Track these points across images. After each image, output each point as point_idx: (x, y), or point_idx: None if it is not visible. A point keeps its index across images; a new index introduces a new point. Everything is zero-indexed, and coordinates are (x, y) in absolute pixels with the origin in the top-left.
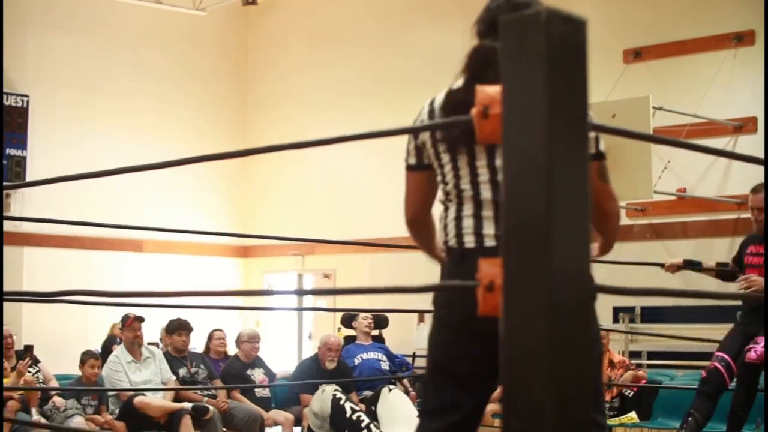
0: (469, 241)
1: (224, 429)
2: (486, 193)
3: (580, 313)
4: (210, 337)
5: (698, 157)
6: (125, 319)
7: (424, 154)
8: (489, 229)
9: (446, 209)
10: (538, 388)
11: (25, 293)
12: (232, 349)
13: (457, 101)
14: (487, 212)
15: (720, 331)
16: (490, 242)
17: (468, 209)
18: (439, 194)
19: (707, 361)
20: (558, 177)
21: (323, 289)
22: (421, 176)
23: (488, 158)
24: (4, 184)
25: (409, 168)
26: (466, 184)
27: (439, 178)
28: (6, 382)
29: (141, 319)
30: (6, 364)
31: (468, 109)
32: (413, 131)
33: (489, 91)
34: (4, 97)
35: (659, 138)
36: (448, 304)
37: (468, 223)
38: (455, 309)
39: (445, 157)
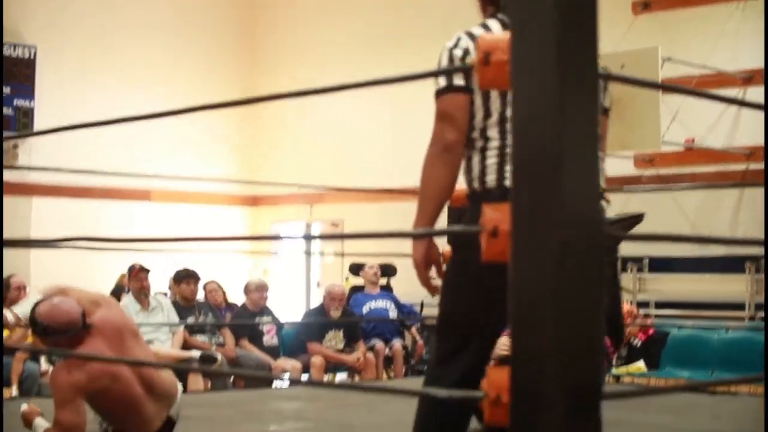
0: (491, 181)
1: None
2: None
3: (590, 259)
4: (204, 290)
5: (706, 108)
6: (131, 269)
7: (472, 78)
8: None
9: (483, 152)
10: (546, 335)
11: (30, 241)
12: (235, 299)
13: None
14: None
15: (727, 281)
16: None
17: (492, 155)
18: (475, 134)
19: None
20: (567, 124)
21: (329, 234)
22: (467, 100)
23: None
24: (12, 134)
25: (458, 89)
26: (492, 129)
27: (479, 111)
28: (17, 333)
29: (146, 270)
30: (18, 315)
31: None
32: (419, 78)
33: (491, 38)
34: (12, 48)
35: (668, 86)
36: (466, 249)
37: (492, 165)
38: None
39: (477, 99)
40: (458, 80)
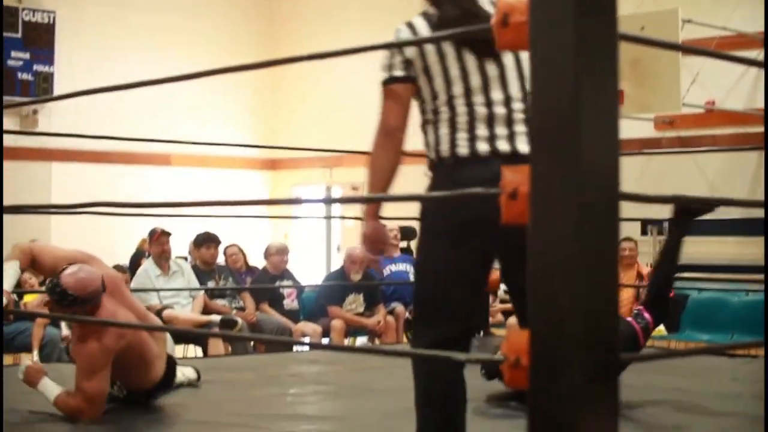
0: (463, 151)
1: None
2: (480, 108)
3: (609, 221)
4: (225, 254)
5: (727, 70)
6: (152, 233)
7: (411, 68)
8: (483, 145)
9: (436, 125)
10: (565, 297)
11: (49, 206)
12: (255, 263)
13: (456, 15)
14: (481, 126)
15: (748, 244)
16: (484, 154)
17: (462, 124)
18: (427, 114)
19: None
20: (586, 86)
21: (349, 197)
22: (408, 88)
23: (481, 76)
24: (31, 99)
25: (398, 80)
26: (459, 100)
27: (427, 94)
28: (35, 297)
29: (168, 234)
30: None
31: (470, 21)
32: (437, 39)
33: (510, 0)
34: (31, 13)
35: (688, 48)
36: (441, 210)
37: (462, 135)
38: (456, 213)
39: (436, 69)
40: (398, 72)
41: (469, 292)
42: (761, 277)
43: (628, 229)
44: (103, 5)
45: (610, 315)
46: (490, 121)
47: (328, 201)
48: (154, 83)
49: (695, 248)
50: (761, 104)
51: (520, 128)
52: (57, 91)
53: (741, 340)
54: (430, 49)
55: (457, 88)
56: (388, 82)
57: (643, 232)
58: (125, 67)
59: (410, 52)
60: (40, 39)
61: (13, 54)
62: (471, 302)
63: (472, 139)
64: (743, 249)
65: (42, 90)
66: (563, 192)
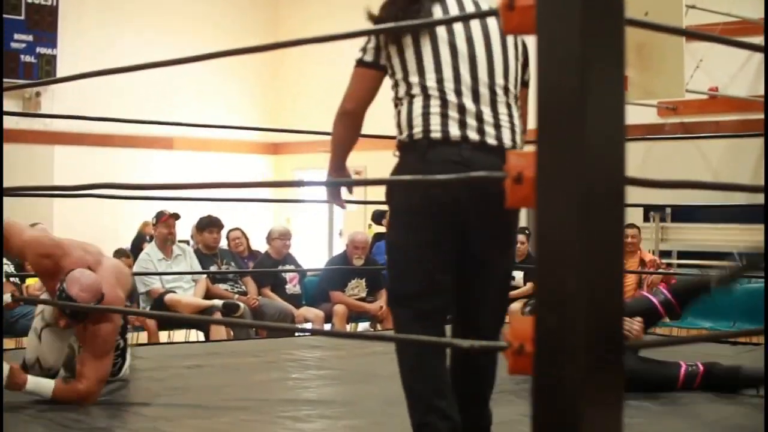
0: (436, 134)
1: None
2: (451, 96)
3: (614, 206)
4: (228, 238)
5: (730, 56)
6: (160, 215)
7: (381, 54)
8: (455, 129)
9: (410, 103)
10: (571, 281)
11: (51, 187)
12: (258, 246)
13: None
14: (453, 113)
15: (751, 231)
16: (455, 139)
17: (435, 107)
18: (399, 91)
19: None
20: (591, 70)
21: (351, 180)
22: (372, 74)
23: (452, 59)
24: (35, 81)
25: (365, 64)
26: (432, 82)
27: (399, 75)
28: (36, 281)
29: (177, 216)
30: None
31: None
32: (441, 23)
33: None
34: None
35: (691, 33)
36: (415, 190)
37: (435, 120)
38: (429, 192)
39: (409, 52)
40: (368, 57)
41: (441, 267)
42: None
43: (631, 216)
44: None
45: (614, 301)
46: (461, 107)
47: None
48: (157, 65)
49: (698, 235)
50: (764, 91)
51: (488, 117)
52: (60, 73)
53: (744, 328)
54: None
55: (430, 73)
56: (356, 65)
57: (646, 219)
58: (128, 50)
59: (383, 36)
60: (43, 21)
61: (16, 36)
62: (445, 277)
63: (445, 123)
64: (746, 236)
65: (45, 72)
66: (568, 176)
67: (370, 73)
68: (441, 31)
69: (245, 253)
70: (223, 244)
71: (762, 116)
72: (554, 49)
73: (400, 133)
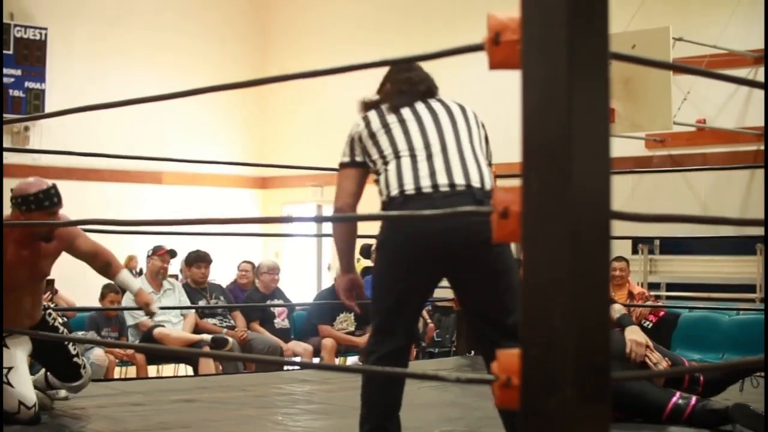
0: (410, 189)
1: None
2: (420, 154)
3: (600, 239)
4: (238, 269)
5: (718, 89)
6: (158, 248)
7: (356, 151)
8: (426, 181)
9: (386, 173)
10: (556, 316)
11: (40, 223)
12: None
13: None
14: (423, 170)
15: (739, 262)
16: (427, 190)
17: (407, 167)
18: (378, 168)
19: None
20: (577, 106)
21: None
22: (352, 172)
23: (418, 125)
24: (23, 116)
25: (343, 165)
26: (403, 147)
27: (375, 156)
28: None
29: (173, 254)
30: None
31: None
32: (428, 58)
33: (501, 18)
34: (23, 29)
35: (679, 66)
36: (398, 237)
37: (408, 175)
38: (412, 241)
39: (383, 138)
40: (345, 158)
41: (415, 310)
42: (752, 296)
43: (619, 248)
44: (94, 23)
45: (601, 334)
46: (431, 164)
47: (319, 219)
48: (145, 101)
49: (686, 267)
50: (752, 123)
51: (456, 165)
52: (48, 108)
53: (732, 359)
54: (375, 121)
55: (401, 144)
56: (339, 168)
57: (634, 251)
58: (116, 84)
59: (354, 132)
60: (32, 56)
61: (5, 71)
62: (416, 317)
63: (416, 179)
64: (734, 268)
65: (33, 107)
66: (554, 211)
67: (350, 171)
68: (408, 115)
69: (249, 286)
70: (213, 277)
71: (750, 148)
72: (539, 83)
73: (381, 194)
